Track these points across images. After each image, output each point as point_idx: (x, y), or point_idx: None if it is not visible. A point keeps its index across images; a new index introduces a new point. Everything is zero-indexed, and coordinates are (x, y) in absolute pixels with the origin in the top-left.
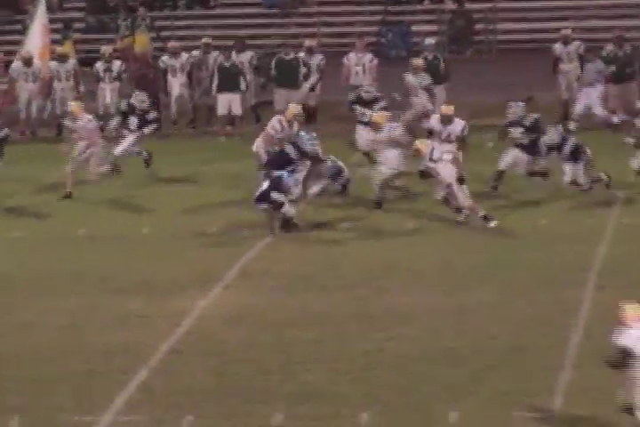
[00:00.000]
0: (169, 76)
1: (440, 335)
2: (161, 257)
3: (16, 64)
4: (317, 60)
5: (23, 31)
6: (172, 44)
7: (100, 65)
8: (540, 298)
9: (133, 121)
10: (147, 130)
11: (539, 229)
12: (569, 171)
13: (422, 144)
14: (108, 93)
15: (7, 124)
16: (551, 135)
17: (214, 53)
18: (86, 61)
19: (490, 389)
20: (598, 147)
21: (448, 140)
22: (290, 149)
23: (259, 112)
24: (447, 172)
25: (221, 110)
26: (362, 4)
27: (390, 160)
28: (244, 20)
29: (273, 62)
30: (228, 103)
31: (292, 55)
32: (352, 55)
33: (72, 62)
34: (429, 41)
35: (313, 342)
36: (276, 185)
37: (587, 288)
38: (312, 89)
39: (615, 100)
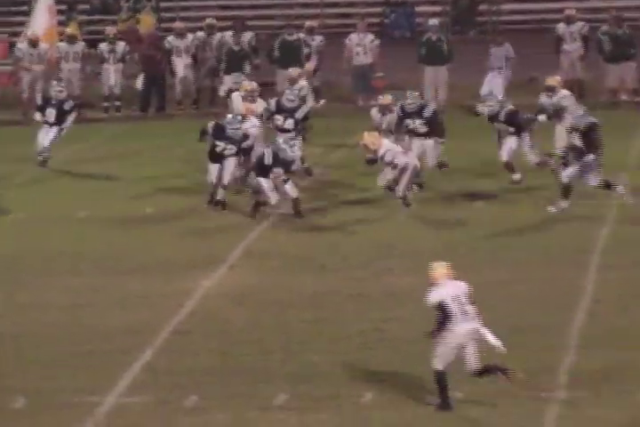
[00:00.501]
0: (174, 57)
1: None
2: (164, 238)
3: (21, 45)
4: (317, 41)
5: (28, 12)
6: (177, 24)
7: (104, 46)
8: (543, 278)
9: (51, 113)
10: (67, 124)
11: (542, 211)
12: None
13: (372, 137)
14: (112, 75)
15: (10, 105)
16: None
17: (218, 34)
18: (90, 43)
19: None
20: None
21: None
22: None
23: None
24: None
25: (222, 91)
26: None
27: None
28: (248, 1)
29: (276, 43)
30: (234, 85)
31: (295, 36)
32: (354, 36)
33: (81, 44)
34: (433, 22)
35: (313, 322)
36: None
37: (590, 269)
38: (315, 71)
39: (614, 79)
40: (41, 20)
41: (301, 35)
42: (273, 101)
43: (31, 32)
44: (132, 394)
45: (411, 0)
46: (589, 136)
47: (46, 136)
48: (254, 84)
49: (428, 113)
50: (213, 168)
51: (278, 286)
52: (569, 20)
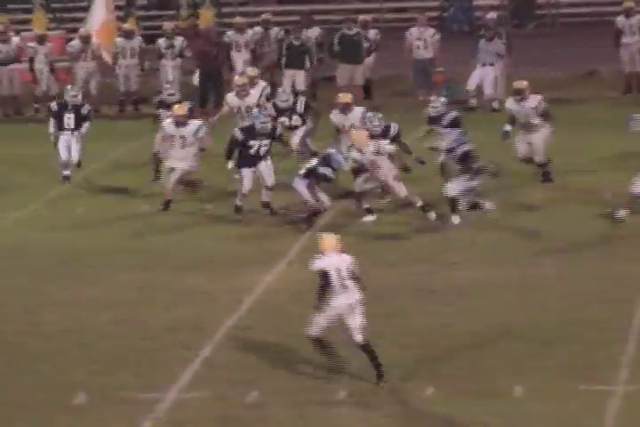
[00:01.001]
0: (233, 52)
1: (504, 309)
2: (225, 234)
3: (75, 42)
4: (372, 34)
5: (86, 8)
6: (237, 19)
7: (162, 42)
8: (602, 272)
9: (70, 118)
10: (83, 129)
11: (603, 203)
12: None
13: (359, 134)
14: (170, 70)
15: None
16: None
17: (275, 29)
18: (148, 38)
19: (554, 362)
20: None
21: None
22: None
23: (316, 89)
24: (385, 166)
25: (286, 86)
26: None
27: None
28: None
29: (336, 38)
30: (292, 79)
31: (354, 30)
32: (414, 30)
33: (138, 39)
34: (491, 15)
35: (376, 317)
36: (326, 161)
37: None
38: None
39: None
40: (97, 16)
41: (356, 28)
42: (270, 106)
43: (84, 29)
44: (193, 390)
45: None
46: None
47: (71, 150)
48: (246, 80)
49: (393, 132)
50: (247, 174)
51: None
52: (628, 13)
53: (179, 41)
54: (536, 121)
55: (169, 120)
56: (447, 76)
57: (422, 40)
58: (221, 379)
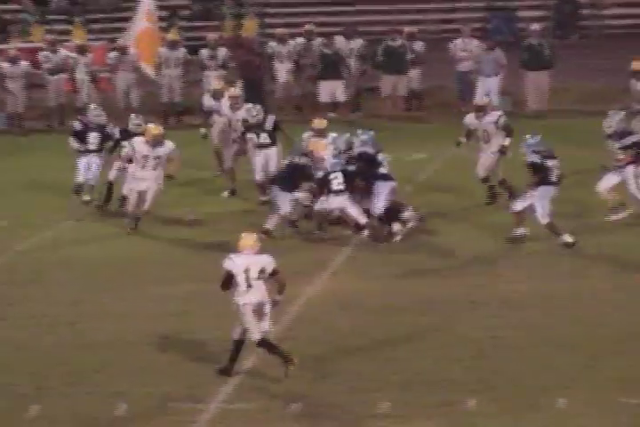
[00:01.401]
0: (275, 63)
1: (554, 322)
2: (269, 243)
3: (113, 53)
4: (419, 46)
5: (128, 19)
6: (279, 30)
7: (205, 52)
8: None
9: (95, 138)
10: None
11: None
12: None
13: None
14: (212, 81)
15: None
16: None
17: (318, 40)
18: (191, 49)
19: (603, 376)
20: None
21: None
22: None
23: (360, 100)
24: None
25: (324, 97)
26: None
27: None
28: (351, 7)
29: (380, 49)
30: (331, 90)
31: (399, 42)
32: (459, 41)
33: (182, 50)
34: (535, 26)
35: (424, 328)
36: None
37: None
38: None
39: None
40: (136, 27)
41: (401, 40)
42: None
43: (122, 40)
44: (236, 401)
45: (512, 5)
46: None
47: (89, 172)
48: (238, 91)
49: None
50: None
51: (387, 291)
52: None
53: (222, 52)
54: (494, 135)
55: (140, 139)
56: None
57: (467, 51)
58: (264, 390)
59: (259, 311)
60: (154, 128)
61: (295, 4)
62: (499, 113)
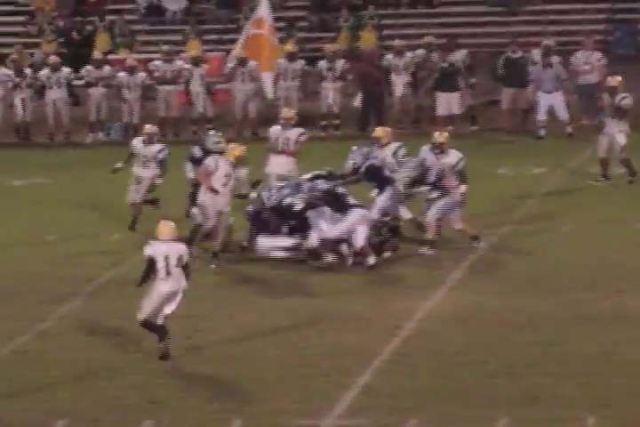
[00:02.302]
0: (392, 75)
1: None
2: (385, 257)
3: (231, 64)
4: (555, 61)
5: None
6: (397, 42)
7: (323, 64)
8: None
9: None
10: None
11: None
12: None
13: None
14: (330, 93)
15: (224, 125)
16: None
17: (437, 52)
18: (309, 60)
19: None
20: None
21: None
22: None
23: (475, 113)
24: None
25: (441, 110)
26: (589, 1)
27: None
28: (469, 18)
29: (500, 61)
30: (447, 103)
31: (519, 54)
32: (580, 54)
33: (300, 62)
34: None
35: (539, 344)
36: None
37: None
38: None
39: None
40: (245, 35)
41: (535, 51)
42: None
43: (238, 50)
44: (351, 417)
45: (635, 17)
46: None
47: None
48: (292, 112)
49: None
50: None
51: (503, 307)
52: None
53: (340, 63)
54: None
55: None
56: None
57: (589, 64)
58: (380, 406)
59: (170, 298)
60: (238, 149)
61: (411, 15)
62: (459, 155)
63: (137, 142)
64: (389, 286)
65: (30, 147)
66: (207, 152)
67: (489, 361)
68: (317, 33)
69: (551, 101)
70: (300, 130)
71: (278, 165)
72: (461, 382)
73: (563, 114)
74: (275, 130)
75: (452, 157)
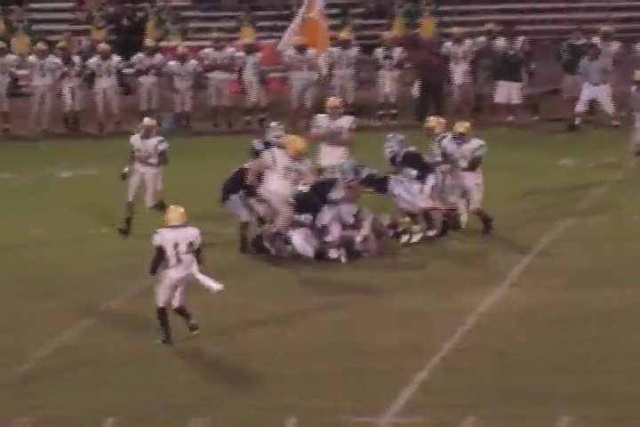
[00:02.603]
0: (452, 64)
1: None
2: (443, 253)
3: (290, 51)
4: (613, 47)
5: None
6: (455, 29)
7: (379, 52)
8: None
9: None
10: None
11: None
12: None
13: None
14: (387, 81)
15: (277, 114)
16: None
17: (500, 40)
18: (365, 48)
19: None
20: None
21: None
22: None
23: (537, 102)
24: None
25: (498, 98)
26: None
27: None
28: (530, 4)
29: (563, 48)
30: (507, 92)
31: (583, 41)
32: None
33: (354, 49)
34: None
35: (602, 340)
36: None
37: None
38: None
39: None
40: (297, 20)
41: (595, 39)
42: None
43: (299, 38)
44: (408, 414)
45: None
46: None
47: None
48: (338, 101)
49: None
50: None
51: (565, 302)
52: None
53: (397, 51)
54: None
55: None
56: None
57: None
58: (437, 404)
59: (182, 284)
60: (298, 142)
61: (470, 1)
62: (480, 142)
63: (135, 139)
64: (448, 281)
65: (79, 137)
66: (267, 145)
67: (551, 358)
68: (374, 20)
69: (596, 94)
70: (350, 118)
71: (331, 155)
72: (521, 379)
73: (608, 108)
74: (323, 119)
75: (474, 143)
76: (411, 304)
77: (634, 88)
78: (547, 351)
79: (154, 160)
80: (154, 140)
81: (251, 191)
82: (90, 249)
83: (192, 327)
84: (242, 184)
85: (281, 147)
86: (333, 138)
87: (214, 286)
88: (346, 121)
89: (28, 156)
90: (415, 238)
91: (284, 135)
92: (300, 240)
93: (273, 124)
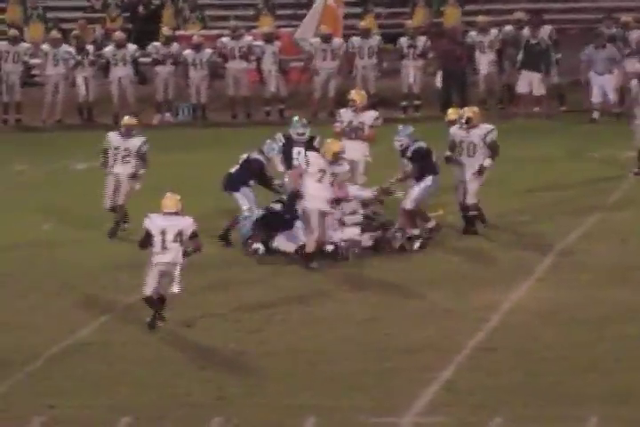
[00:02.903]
0: (477, 53)
1: None
2: (467, 248)
3: (315, 39)
4: (635, 35)
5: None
6: (480, 18)
7: (403, 41)
8: None
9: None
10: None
11: None
12: None
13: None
14: (411, 71)
15: (301, 104)
16: None
17: (526, 29)
18: (388, 37)
19: None
20: None
21: None
22: None
23: (564, 92)
24: None
25: (522, 88)
26: None
27: None
28: None
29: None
30: (530, 82)
31: (613, 30)
32: None
33: (376, 38)
34: None
35: (632, 338)
36: None
37: None
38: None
39: None
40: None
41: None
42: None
43: (324, 26)
44: (432, 414)
45: None
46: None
47: None
48: (360, 94)
49: None
50: None
51: (593, 299)
52: None
53: (421, 40)
54: (480, 150)
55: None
56: None
57: None
58: (462, 404)
59: (167, 273)
60: (336, 145)
61: None
62: (490, 127)
63: (113, 136)
64: (472, 278)
65: (94, 128)
66: (289, 140)
67: (577, 356)
68: (398, 8)
69: (602, 83)
70: (375, 113)
71: (353, 150)
72: (548, 378)
73: (611, 97)
74: (346, 113)
75: (483, 128)
76: (434, 302)
77: (635, 81)
78: (575, 350)
79: (131, 160)
80: (136, 141)
81: (296, 196)
82: (105, 244)
83: (160, 318)
84: (251, 176)
85: (315, 150)
86: (353, 133)
87: (175, 287)
88: (368, 117)
89: (41, 147)
90: (417, 244)
91: (308, 132)
92: (282, 239)
93: (295, 118)
